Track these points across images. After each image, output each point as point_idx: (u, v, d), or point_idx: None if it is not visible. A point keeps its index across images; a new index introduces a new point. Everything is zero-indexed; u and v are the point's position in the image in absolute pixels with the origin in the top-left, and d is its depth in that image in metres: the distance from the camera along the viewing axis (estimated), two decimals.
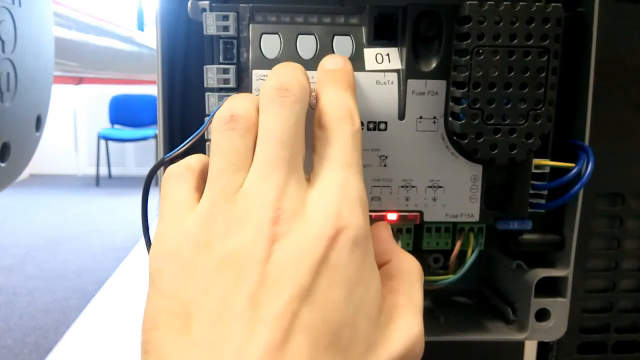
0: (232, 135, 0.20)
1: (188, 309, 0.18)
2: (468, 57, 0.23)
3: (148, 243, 0.24)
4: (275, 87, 0.20)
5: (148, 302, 0.19)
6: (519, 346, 0.36)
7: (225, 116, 0.20)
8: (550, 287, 0.29)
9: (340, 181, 0.19)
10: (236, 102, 0.21)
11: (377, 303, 0.19)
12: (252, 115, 0.21)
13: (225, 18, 0.24)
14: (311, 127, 0.21)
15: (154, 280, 0.19)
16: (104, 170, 3.88)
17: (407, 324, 0.20)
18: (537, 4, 0.23)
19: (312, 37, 0.25)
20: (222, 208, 0.19)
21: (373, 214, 0.25)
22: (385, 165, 0.25)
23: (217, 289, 0.18)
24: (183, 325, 0.18)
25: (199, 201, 0.20)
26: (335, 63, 0.23)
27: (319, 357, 0.17)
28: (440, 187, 0.25)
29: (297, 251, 0.18)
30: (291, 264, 0.18)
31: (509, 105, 0.23)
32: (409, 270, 0.22)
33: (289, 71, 0.21)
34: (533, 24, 0.23)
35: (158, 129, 0.28)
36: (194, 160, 0.22)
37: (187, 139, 0.23)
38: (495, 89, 0.23)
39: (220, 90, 0.25)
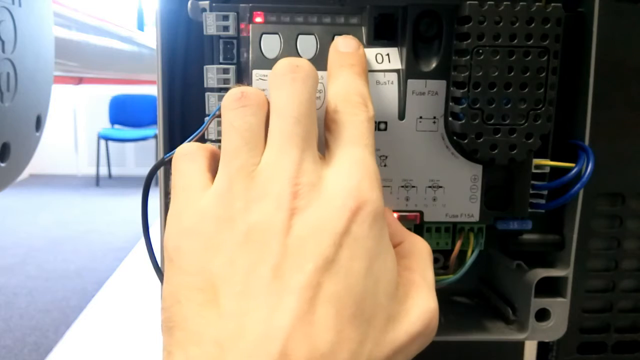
0: (244, 112, 0.20)
1: (213, 282, 0.18)
2: (468, 57, 0.23)
3: (148, 243, 0.24)
4: (286, 65, 0.21)
5: (167, 280, 0.20)
6: (519, 346, 0.36)
7: (236, 93, 0.21)
8: (550, 287, 0.29)
9: (358, 158, 0.20)
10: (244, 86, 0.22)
11: (394, 277, 0.20)
12: (262, 93, 0.21)
13: (225, 18, 0.24)
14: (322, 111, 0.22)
15: (172, 259, 0.20)
16: (104, 170, 3.88)
17: (424, 299, 0.20)
18: (537, 4, 0.23)
19: (312, 37, 0.25)
20: (241, 184, 0.19)
21: None
22: (385, 165, 0.25)
23: (241, 262, 0.18)
24: (208, 298, 0.18)
25: (212, 180, 0.20)
26: (349, 45, 0.23)
27: (345, 327, 0.17)
28: (440, 187, 0.25)
29: (318, 223, 0.18)
30: (313, 235, 0.18)
31: (509, 105, 0.23)
32: (421, 250, 0.22)
33: (296, 57, 0.22)
34: (533, 24, 0.23)
35: (158, 129, 0.28)
36: (204, 144, 0.22)
37: (187, 139, 0.23)
38: (495, 89, 0.23)
39: (220, 90, 0.25)
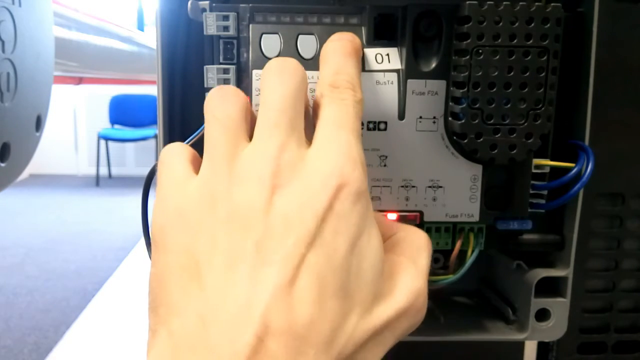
0: (224, 104, 0.21)
1: (196, 260, 0.19)
2: (468, 57, 0.23)
3: (148, 243, 0.24)
4: (274, 63, 0.21)
5: (153, 263, 0.20)
6: (519, 346, 0.36)
7: (215, 89, 0.22)
8: (550, 287, 0.29)
9: (342, 140, 0.20)
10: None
11: (379, 255, 0.20)
12: (240, 90, 0.22)
13: (225, 18, 0.24)
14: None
15: (157, 242, 0.20)
16: (104, 170, 3.88)
17: (410, 278, 0.20)
18: (536, 4, 0.23)
19: (312, 37, 0.25)
20: (224, 169, 0.20)
21: None
22: (385, 165, 0.25)
23: (224, 239, 0.18)
24: (191, 276, 0.18)
25: (197, 172, 0.21)
26: (343, 35, 0.24)
27: (327, 300, 0.18)
28: (440, 187, 0.25)
29: (301, 200, 0.18)
30: (296, 211, 0.18)
31: (509, 105, 0.23)
32: (415, 238, 0.22)
33: (286, 58, 0.22)
34: (533, 24, 0.23)
35: (158, 129, 0.28)
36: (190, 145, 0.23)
37: (187, 138, 0.23)
38: (495, 89, 0.23)
39: None
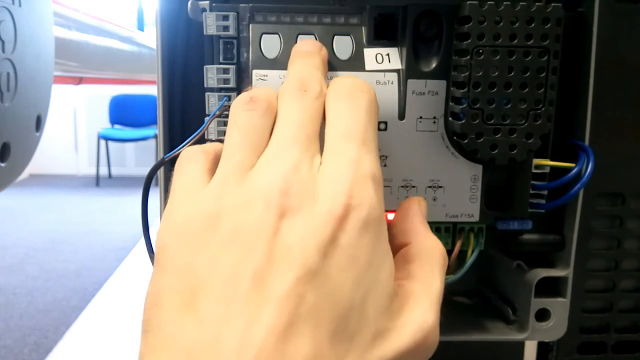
0: (250, 115, 0.20)
1: (193, 285, 0.18)
2: (468, 57, 0.23)
3: (148, 243, 0.24)
4: (294, 87, 0.21)
5: (151, 280, 0.19)
6: (519, 346, 0.36)
7: (245, 97, 0.21)
8: (550, 287, 0.29)
9: (352, 157, 0.19)
10: (257, 89, 0.22)
11: (388, 290, 0.18)
12: (272, 99, 0.21)
13: (225, 18, 0.24)
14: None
15: (158, 258, 0.19)
16: (104, 170, 3.88)
17: (420, 313, 0.19)
18: (537, 4, 0.23)
19: (312, 37, 0.25)
20: (233, 182, 0.19)
21: None
22: (385, 165, 0.25)
23: (223, 264, 0.17)
24: (186, 302, 0.17)
25: None
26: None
27: (323, 343, 0.16)
28: (440, 187, 0.25)
29: (305, 230, 0.17)
30: (298, 242, 0.17)
31: (509, 105, 0.23)
32: (430, 254, 0.21)
33: (307, 69, 0.22)
34: (533, 24, 0.23)
35: (158, 129, 0.28)
36: (209, 146, 0.22)
37: (187, 139, 0.23)
38: (495, 89, 0.23)
39: (220, 90, 0.25)
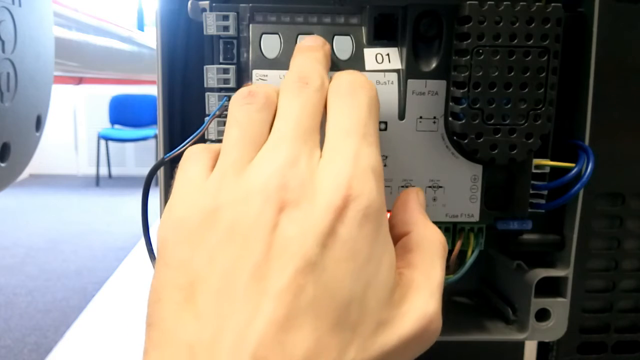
0: (249, 109, 0.20)
1: (192, 280, 0.18)
2: (468, 57, 0.23)
3: (148, 243, 0.24)
4: (295, 80, 0.21)
5: (154, 274, 0.19)
6: (519, 346, 0.36)
7: (243, 92, 0.21)
8: (550, 287, 0.29)
9: (352, 150, 0.19)
10: (257, 84, 0.22)
11: (389, 280, 0.18)
12: (271, 94, 0.21)
13: (225, 18, 0.24)
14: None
15: (159, 253, 0.19)
16: (104, 170, 3.89)
17: (422, 302, 0.19)
18: (537, 4, 0.23)
19: None
20: (231, 177, 0.19)
21: None
22: (385, 165, 0.25)
23: (222, 259, 0.17)
24: (186, 297, 0.18)
25: None
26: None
27: (324, 334, 0.16)
28: (440, 187, 0.25)
29: (304, 222, 0.17)
30: (297, 235, 0.17)
31: (509, 105, 0.23)
32: (430, 243, 0.21)
33: (309, 63, 0.22)
34: (533, 24, 0.23)
35: (158, 129, 0.28)
36: (214, 145, 0.22)
37: (187, 138, 0.23)
38: (495, 89, 0.23)
39: (220, 90, 0.25)
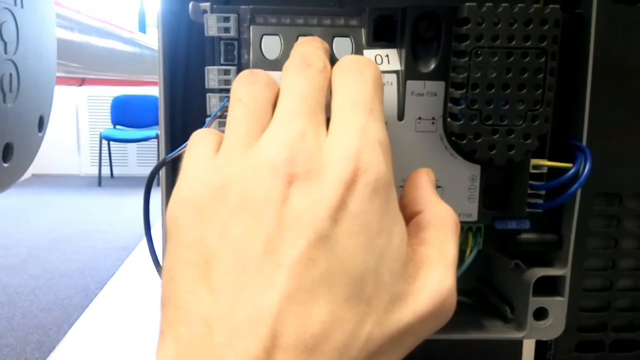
0: (252, 88, 0.20)
1: (205, 256, 0.18)
2: (467, 58, 0.23)
3: (150, 242, 0.24)
4: (298, 61, 0.21)
5: (166, 255, 0.19)
6: (517, 345, 0.36)
7: (246, 72, 0.21)
8: (548, 286, 0.29)
9: (360, 124, 0.19)
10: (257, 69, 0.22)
11: (401, 254, 0.18)
12: (273, 78, 0.21)
13: (226, 20, 0.25)
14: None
15: (170, 233, 0.19)
16: (106, 171, 3.89)
17: (437, 277, 0.19)
18: (535, 5, 0.23)
19: None
20: (239, 153, 0.19)
21: None
22: None
23: (233, 234, 0.17)
24: (200, 274, 0.17)
25: None
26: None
27: (339, 307, 0.16)
28: (439, 187, 0.26)
29: (314, 195, 0.17)
30: (308, 208, 0.17)
31: (507, 106, 0.23)
32: (443, 220, 0.21)
33: (310, 48, 0.22)
34: (531, 26, 0.23)
35: (160, 130, 0.28)
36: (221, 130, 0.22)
37: (188, 139, 0.23)
38: (493, 90, 0.23)
39: (221, 91, 0.25)
